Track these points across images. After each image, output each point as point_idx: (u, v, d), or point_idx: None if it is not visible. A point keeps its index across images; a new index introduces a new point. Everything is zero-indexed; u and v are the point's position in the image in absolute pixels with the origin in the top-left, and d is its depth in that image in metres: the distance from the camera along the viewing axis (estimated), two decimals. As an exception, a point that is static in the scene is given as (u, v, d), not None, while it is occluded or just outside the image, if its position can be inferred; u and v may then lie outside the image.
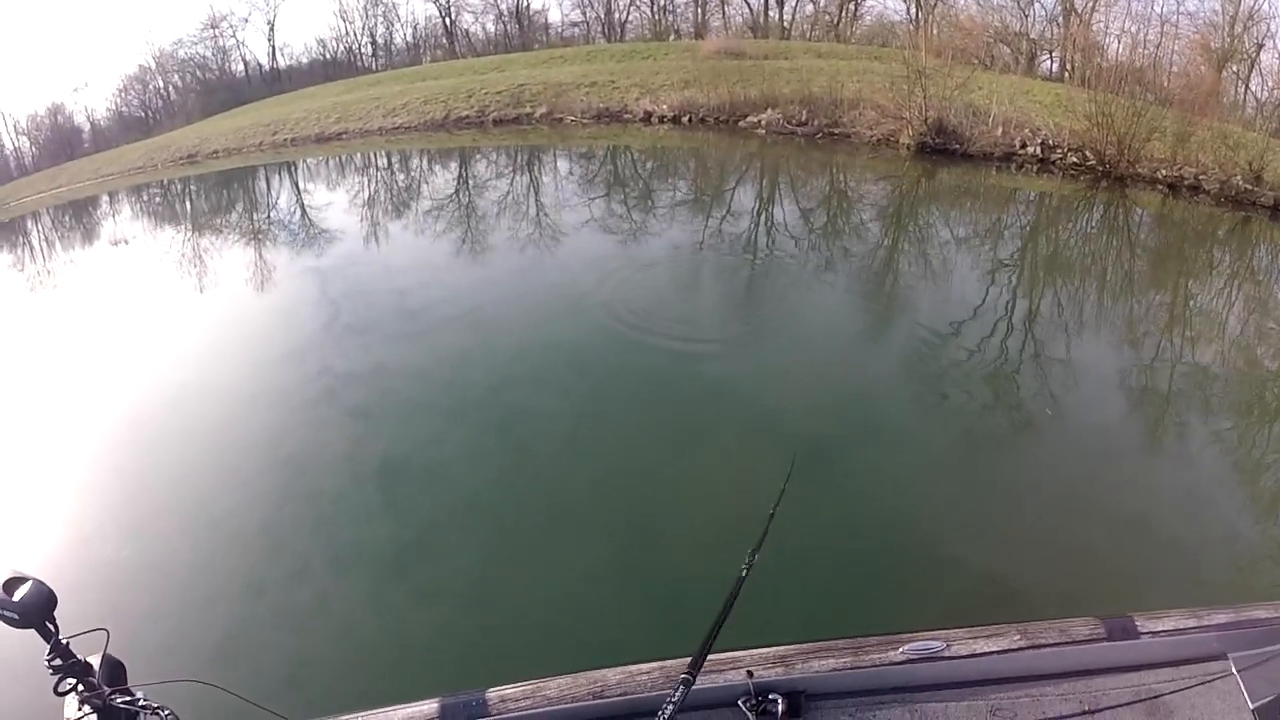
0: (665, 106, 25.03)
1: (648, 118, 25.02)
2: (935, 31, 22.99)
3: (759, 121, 22.95)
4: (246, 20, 49.62)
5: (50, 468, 7.06)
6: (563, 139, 23.99)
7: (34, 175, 42.79)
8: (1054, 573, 5.14)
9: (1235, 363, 9.08)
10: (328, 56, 49.80)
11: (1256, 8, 28.77)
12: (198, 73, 50.15)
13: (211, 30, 48.98)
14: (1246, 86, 29.80)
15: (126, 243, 18.09)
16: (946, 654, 2.27)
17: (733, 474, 6.09)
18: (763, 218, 15.03)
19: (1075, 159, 17.69)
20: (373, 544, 5.71)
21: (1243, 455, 7.11)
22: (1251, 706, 2.30)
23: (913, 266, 11.98)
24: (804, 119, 22.26)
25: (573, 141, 23.67)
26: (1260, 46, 29.11)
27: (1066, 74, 32.46)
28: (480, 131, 25.41)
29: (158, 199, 23.22)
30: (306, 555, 5.60)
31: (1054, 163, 17.90)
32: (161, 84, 50.76)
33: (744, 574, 2.19)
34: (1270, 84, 27.99)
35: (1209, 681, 2.36)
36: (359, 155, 24.86)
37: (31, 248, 21.78)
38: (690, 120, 24.27)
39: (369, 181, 21.38)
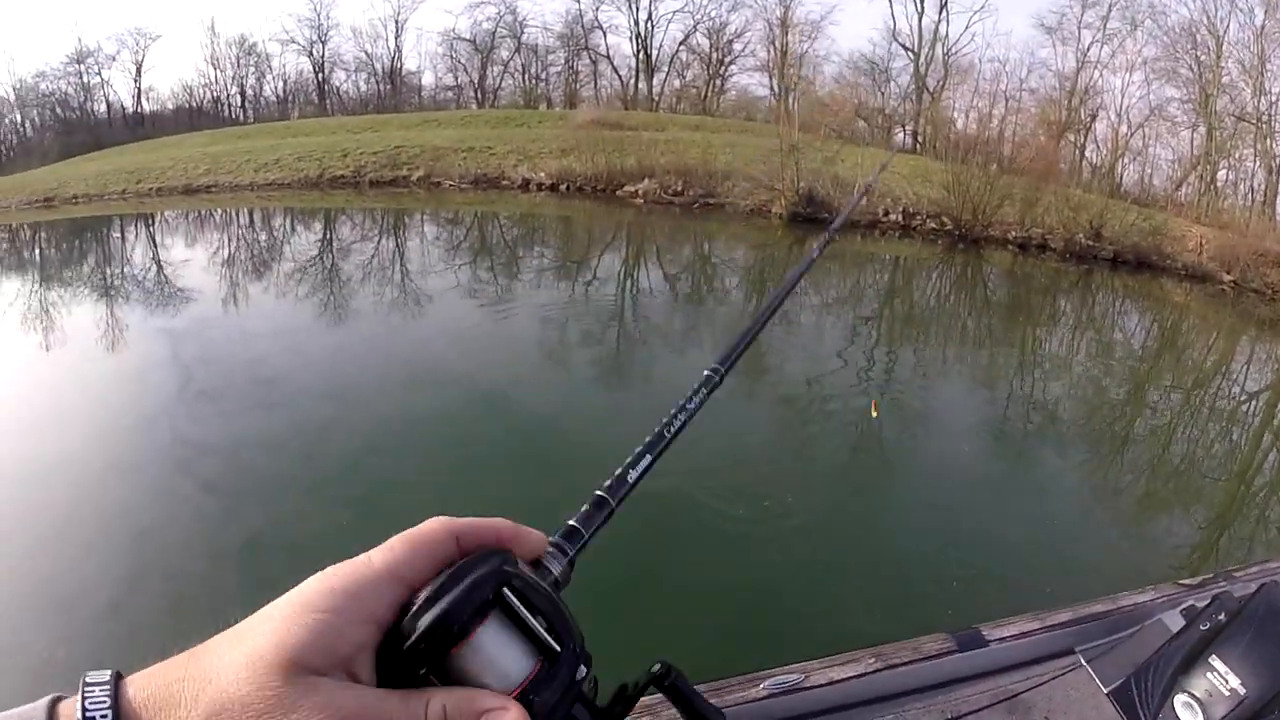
0: (543, 174, 25.79)
1: (525, 185, 25.72)
2: (797, 107, 24.59)
3: (636, 191, 23.88)
4: (114, 58, 48.65)
5: None
6: (439, 203, 24.37)
7: None
8: (908, 597, 5.81)
9: (1079, 396, 10.23)
10: (194, 104, 49.78)
11: (1091, 82, 32.08)
12: (58, 109, 48.62)
13: (77, 65, 47.91)
14: (1083, 154, 33.12)
15: (-35, 293, 17.50)
16: (805, 685, 2.40)
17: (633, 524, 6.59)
18: (636, 283, 15.76)
19: (934, 224, 19.37)
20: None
21: (1082, 476, 8.13)
22: (1105, 691, 2.48)
23: (785, 326, 12.74)
24: (680, 189, 23.36)
25: (449, 206, 24.08)
26: (1094, 117, 32.48)
27: (919, 146, 35.15)
28: (355, 192, 25.56)
29: (4, 244, 22.45)
30: (162, 647, 5.53)
31: (915, 228, 19.51)
32: (19, 118, 48.88)
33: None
34: (1104, 150, 31.27)
35: (1061, 675, 2.55)
36: (220, 211, 24.61)
37: None
38: (568, 188, 25.05)
39: (230, 239, 21.25)
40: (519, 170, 26.48)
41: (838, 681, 2.46)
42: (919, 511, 7.33)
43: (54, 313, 14.76)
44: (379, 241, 19.90)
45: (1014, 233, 18.95)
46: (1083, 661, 2.63)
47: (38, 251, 21.89)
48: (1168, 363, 11.59)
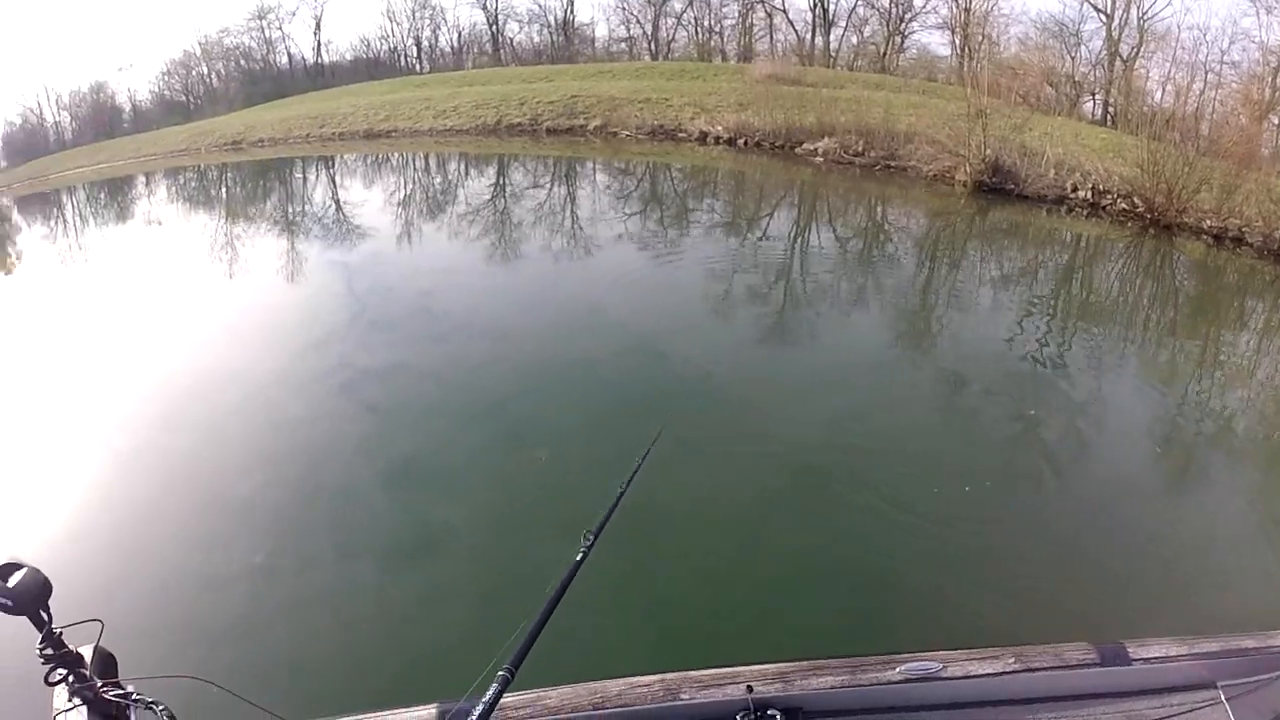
0: (720, 128, 25.40)
1: (703, 137, 25.41)
2: (983, 70, 23.21)
3: (815, 149, 23.19)
4: (294, 14, 51.52)
5: (56, 451, 7.30)
6: (614, 152, 24.37)
7: (74, 150, 44.47)
8: (1051, 598, 5.32)
9: (1261, 410, 9.20)
10: (371, 55, 51.86)
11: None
12: (241, 62, 52.10)
13: (259, 21, 50.95)
14: (1287, 138, 29.84)
15: (160, 223, 18.69)
16: (943, 675, 2.36)
17: (778, 492, 6.40)
18: (806, 242, 15.25)
19: (1125, 205, 17.83)
20: (379, 543, 5.88)
21: (1253, 497, 7.27)
22: None
23: (964, 299, 12.14)
24: (861, 149, 22.50)
25: (624, 156, 24.02)
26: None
27: (1109, 118, 32.69)
28: (532, 139, 25.91)
29: (194, 183, 23.92)
30: (312, 552, 5.76)
31: (1104, 207, 18.02)
32: (205, 70, 52.71)
33: (581, 558, 2.13)
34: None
35: (1198, 710, 2.44)
36: (397, 154, 25.43)
37: (65, 221, 22.55)
38: (745, 143, 24.59)
39: (406, 181, 21.90)
40: (696, 123, 26.15)
41: (975, 676, 2.40)
42: (1071, 510, 6.69)
43: (238, 245, 15.53)
44: (551, 187, 20.02)
45: (1209, 221, 17.11)
46: (1223, 698, 2.48)
47: (224, 189, 23.16)
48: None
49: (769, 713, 2.12)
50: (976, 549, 5.94)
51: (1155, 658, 2.54)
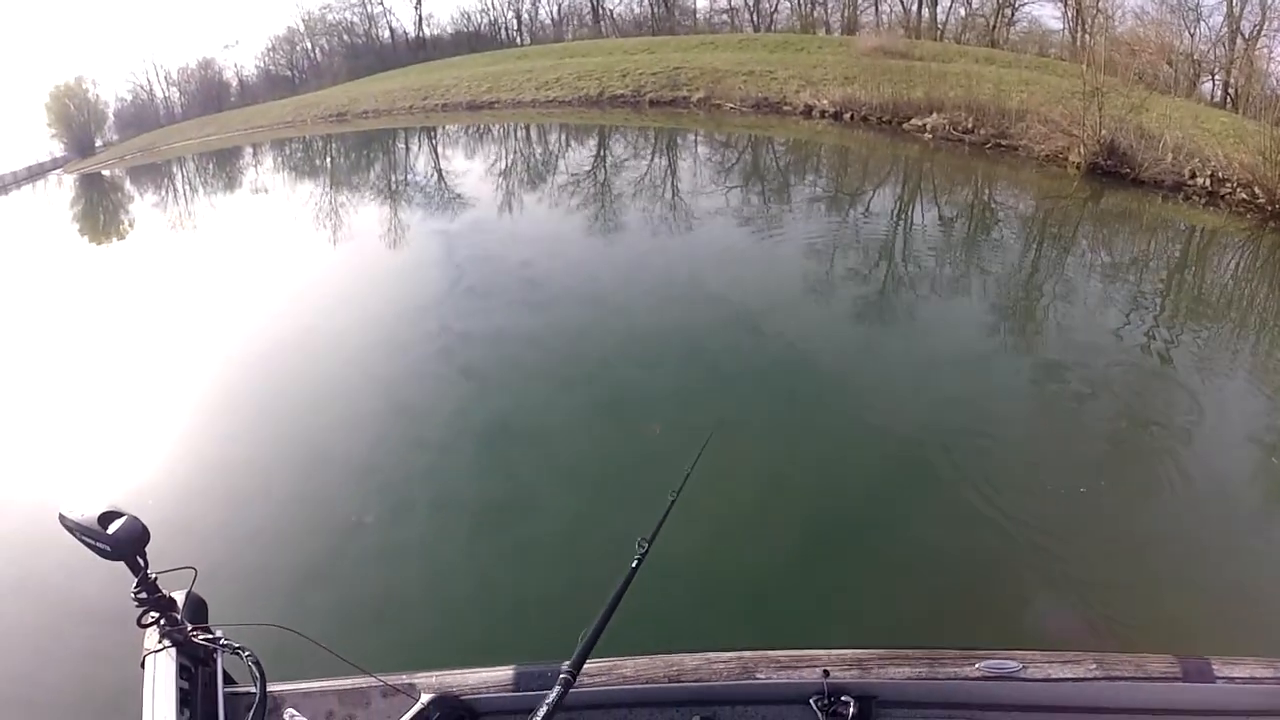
0: (826, 101, 24.94)
1: (808, 111, 24.99)
2: (1099, 45, 22.21)
3: (924, 125, 22.59)
4: (395, -12, 52.72)
5: (163, 403, 7.68)
6: (718, 125, 24.18)
7: (183, 123, 46.40)
8: (1141, 608, 5.12)
9: None
10: (471, 28, 52.67)
11: None
12: (344, 36, 53.56)
13: (361, -3, 52.17)
14: None
15: (266, 191, 19.26)
16: (1021, 675, 2.33)
17: (868, 475, 6.30)
18: (910, 222, 14.90)
19: (1244, 194, 16.88)
20: (469, 501, 6.01)
21: None
22: None
23: (1072, 288, 11.74)
24: (970, 126, 21.80)
25: (727, 129, 23.82)
26: None
27: (1229, 99, 30.97)
28: (634, 111, 25.88)
29: (299, 153, 24.59)
30: (402, 509, 5.91)
31: (1223, 196, 17.08)
32: (309, 45, 54.46)
33: (636, 564, 2.14)
34: None
35: None
36: (499, 125, 25.70)
37: (175, 190, 23.43)
38: (852, 117, 24.09)
39: (508, 151, 22.12)
40: (801, 96, 25.72)
41: (1054, 680, 2.35)
42: (1167, 519, 6.38)
43: (342, 213, 15.88)
44: (652, 159, 19.97)
45: None
46: None
47: (329, 159, 23.73)
48: None
49: (843, 699, 2.13)
50: (1065, 550, 5.75)
51: (1240, 678, 2.45)
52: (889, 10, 44.05)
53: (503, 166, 19.52)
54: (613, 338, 8.93)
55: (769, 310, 9.75)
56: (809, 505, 5.90)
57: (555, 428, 7.04)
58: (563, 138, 23.75)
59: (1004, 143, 20.88)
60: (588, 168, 18.83)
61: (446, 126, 25.96)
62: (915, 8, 42.92)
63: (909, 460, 6.56)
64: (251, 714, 1.79)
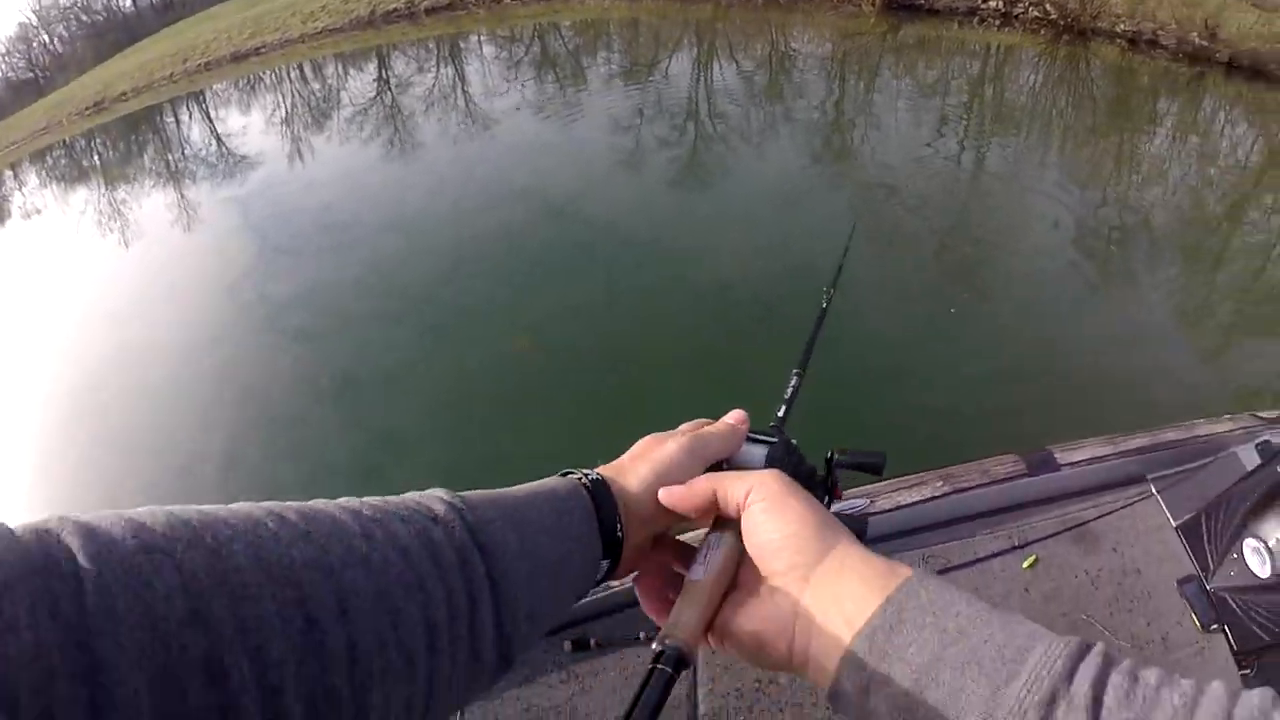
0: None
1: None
2: None
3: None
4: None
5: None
6: (499, 20, 23.59)
7: None
8: (977, 415, 5.64)
9: (1174, 206, 9.40)
10: None
11: None
12: (83, 17, 49.84)
13: (88, -32, 48.47)
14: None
15: (39, 212, 18.18)
16: (872, 510, 2.48)
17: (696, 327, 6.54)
18: (710, 81, 15.11)
19: (1037, 12, 17.60)
20: (341, 462, 6.13)
21: (1171, 291, 7.52)
22: (1174, 524, 2.56)
23: (880, 117, 12.21)
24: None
25: (510, 22, 23.27)
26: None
27: None
28: (411, 23, 25.01)
29: (64, 160, 23.13)
30: (278, 486, 5.99)
31: (1016, 16, 17.79)
32: (47, 38, 50.41)
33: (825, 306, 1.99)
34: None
35: (1131, 504, 2.62)
36: (270, 71, 24.65)
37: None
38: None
39: (284, 96, 21.27)
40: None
41: (904, 506, 2.50)
42: (985, 326, 6.90)
43: (125, 210, 15.15)
44: (438, 70, 19.46)
45: (1123, 25, 16.95)
46: (1154, 491, 2.66)
47: (96, 157, 22.49)
48: (1273, 180, 10.24)
49: None
50: (896, 371, 6.15)
51: (1083, 460, 2.68)
52: None
53: (282, 114, 18.79)
54: (431, 259, 8.96)
55: (581, 194, 9.91)
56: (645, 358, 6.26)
57: (404, 366, 7.14)
58: (340, 68, 22.90)
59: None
60: (372, 93, 18.29)
61: (214, 86, 24.70)
62: None
63: (739, 317, 6.89)
64: None
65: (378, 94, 18.15)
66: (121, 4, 50.14)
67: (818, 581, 0.62)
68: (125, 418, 7.49)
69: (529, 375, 6.69)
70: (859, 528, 2.26)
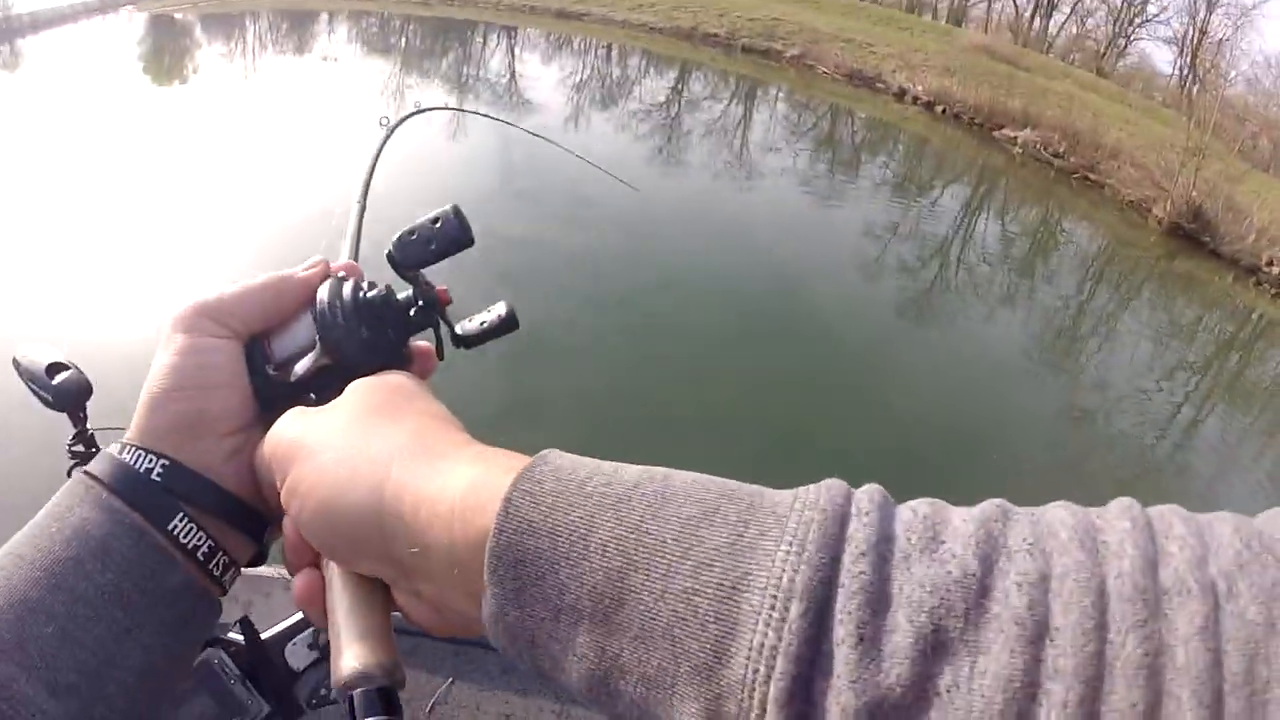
0: (921, 88, 24.70)
1: (901, 94, 24.73)
2: (1210, 107, 21.82)
3: (1015, 138, 22.32)
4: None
5: (159, 259, 7.59)
6: (806, 86, 24.09)
7: None
8: None
9: None
10: None
11: None
12: None
13: None
14: None
15: (335, 60, 19.51)
16: None
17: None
18: (973, 230, 14.98)
19: None
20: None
21: None
22: None
23: (1118, 340, 11.89)
24: (1061, 151, 21.60)
25: (814, 92, 23.73)
26: None
27: None
28: (724, 54, 25.83)
29: (374, 29, 24.74)
30: None
31: None
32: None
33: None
34: None
35: None
36: (580, 39, 25.75)
37: (245, 44, 23.68)
38: (944, 111, 23.86)
39: (585, 66, 22.22)
40: (897, 77, 25.41)
41: None
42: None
43: (408, 95, 16.11)
44: (728, 105, 20.05)
45: None
46: None
47: (403, 40, 23.95)
48: None
49: None
50: None
51: None
52: (1000, 9, 43.41)
53: (578, 80, 19.68)
54: (643, 271, 9.28)
55: (809, 277, 10.00)
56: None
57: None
58: (643, 63, 23.81)
59: (1091, 177, 20.56)
60: (661, 99, 18.96)
61: (528, 29, 26.07)
62: (1029, 13, 42.27)
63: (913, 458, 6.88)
64: None
65: (666, 102, 18.80)
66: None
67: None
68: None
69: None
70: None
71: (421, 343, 0.61)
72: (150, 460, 0.52)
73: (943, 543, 0.34)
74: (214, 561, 0.53)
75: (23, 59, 17.19)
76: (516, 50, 23.23)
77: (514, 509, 0.40)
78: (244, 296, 0.58)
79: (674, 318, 8.24)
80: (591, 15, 27.86)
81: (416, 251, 0.58)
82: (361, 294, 0.59)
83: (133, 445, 0.53)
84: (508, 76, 18.90)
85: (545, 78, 18.97)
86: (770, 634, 0.33)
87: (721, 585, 0.35)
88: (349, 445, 0.47)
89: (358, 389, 0.52)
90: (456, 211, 0.59)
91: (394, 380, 0.54)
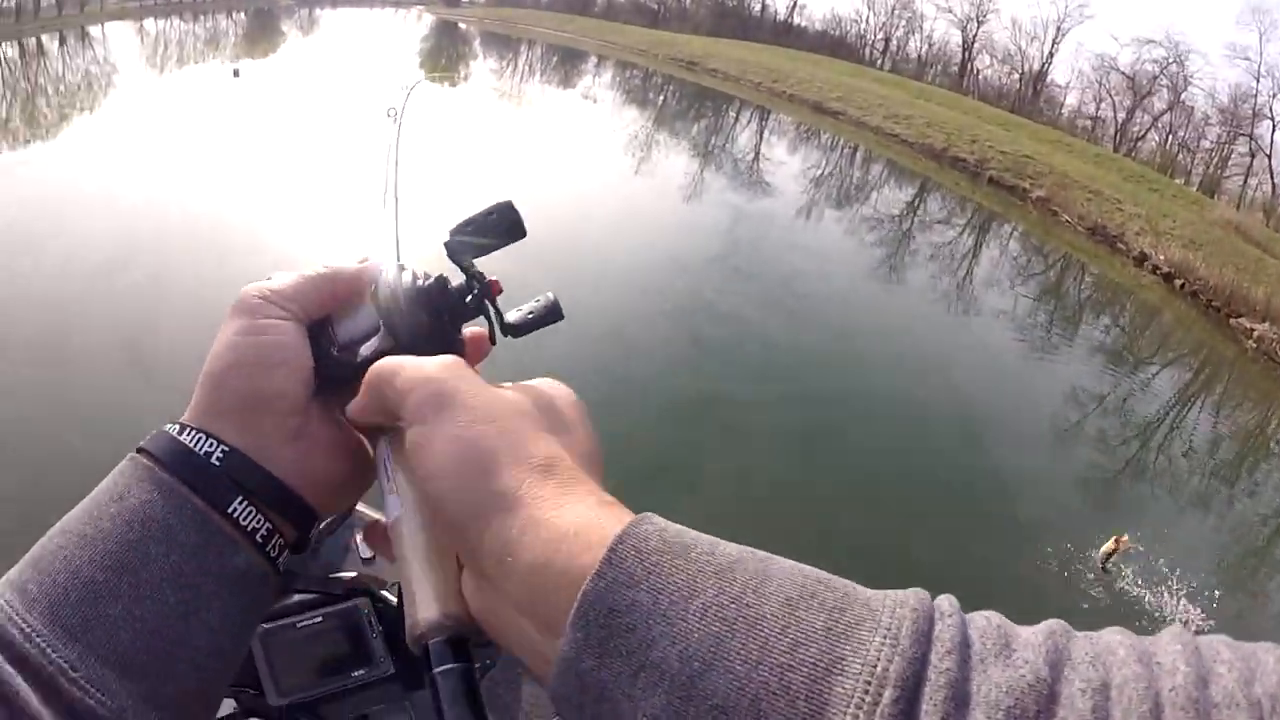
0: (1163, 257, 23.56)
1: (1141, 260, 23.67)
2: None
3: (1252, 330, 20.81)
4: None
5: None
6: (1045, 232, 23.57)
7: (545, 13, 50.31)
8: None
9: None
10: (838, 34, 55.51)
11: None
12: None
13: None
14: None
15: (595, 101, 20.51)
16: None
17: None
18: (1192, 422, 14.12)
19: None
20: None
21: None
22: None
23: None
24: (1299, 351, 20.11)
25: (1053, 240, 23.17)
26: None
27: None
28: (969, 180, 25.64)
29: (637, 81, 25.83)
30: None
31: None
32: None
33: None
34: None
35: None
36: (829, 135, 26.09)
37: (516, 66, 25.23)
38: (1182, 286, 22.66)
39: (829, 163, 22.48)
40: (1140, 240, 24.35)
41: None
42: None
43: (654, 150, 16.79)
44: (961, 233, 19.88)
45: None
46: None
47: (662, 98, 24.88)
48: None
49: None
50: None
51: None
52: (1256, 186, 41.15)
53: (818, 174, 19.94)
54: (832, 380, 9.36)
55: (998, 427, 9.80)
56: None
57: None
58: (886, 172, 23.90)
59: (1328, 386, 19.11)
60: (896, 212, 18.99)
61: (781, 115, 26.63)
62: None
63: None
64: None
65: (900, 216, 18.81)
66: (751, 4, 55.88)
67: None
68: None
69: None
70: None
71: (474, 329, 0.65)
72: (211, 444, 0.53)
73: (1014, 650, 0.37)
74: (271, 544, 0.54)
75: (318, 27, 18.85)
76: (765, 133, 23.78)
77: (618, 558, 0.41)
78: (303, 284, 0.60)
79: (844, 431, 8.23)
80: (847, 115, 28.24)
81: (471, 242, 0.63)
82: (421, 281, 0.63)
83: (191, 427, 0.54)
84: (752, 155, 19.37)
85: (787, 167, 19.36)
86: (861, 718, 0.35)
87: (817, 665, 0.37)
88: (519, 431, 0.49)
89: (529, 391, 0.54)
90: (510, 205, 0.64)
91: (563, 397, 0.56)
